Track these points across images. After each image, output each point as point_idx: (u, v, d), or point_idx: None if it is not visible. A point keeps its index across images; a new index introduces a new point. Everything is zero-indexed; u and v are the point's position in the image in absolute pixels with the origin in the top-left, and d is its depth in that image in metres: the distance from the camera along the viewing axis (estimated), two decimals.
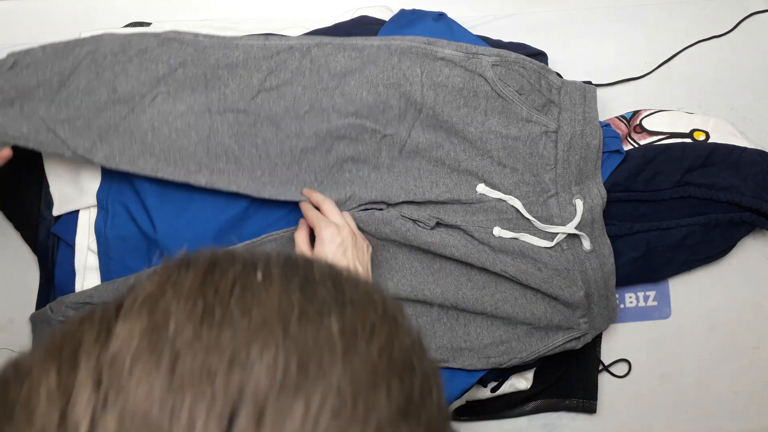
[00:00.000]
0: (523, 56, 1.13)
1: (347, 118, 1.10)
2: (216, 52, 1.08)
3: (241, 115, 1.08)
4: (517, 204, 1.13)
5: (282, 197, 1.11)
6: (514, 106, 1.12)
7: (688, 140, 1.23)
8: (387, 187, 1.13)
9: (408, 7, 1.22)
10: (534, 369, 1.23)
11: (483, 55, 1.12)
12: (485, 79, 1.11)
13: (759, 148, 1.23)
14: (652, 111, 1.26)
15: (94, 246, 1.16)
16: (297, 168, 1.11)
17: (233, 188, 1.09)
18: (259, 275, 0.44)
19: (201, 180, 1.08)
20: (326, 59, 1.09)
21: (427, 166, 1.13)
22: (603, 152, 1.17)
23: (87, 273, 1.17)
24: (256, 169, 1.10)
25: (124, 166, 1.07)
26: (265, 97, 1.08)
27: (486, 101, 1.12)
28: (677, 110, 1.29)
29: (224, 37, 1.09)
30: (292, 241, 1.13)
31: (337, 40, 1.10)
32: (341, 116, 1.10)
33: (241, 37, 1.09)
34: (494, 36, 1.24)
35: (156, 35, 1.08)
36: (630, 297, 1.28)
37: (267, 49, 1.09)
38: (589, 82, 1.23)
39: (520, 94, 1.13)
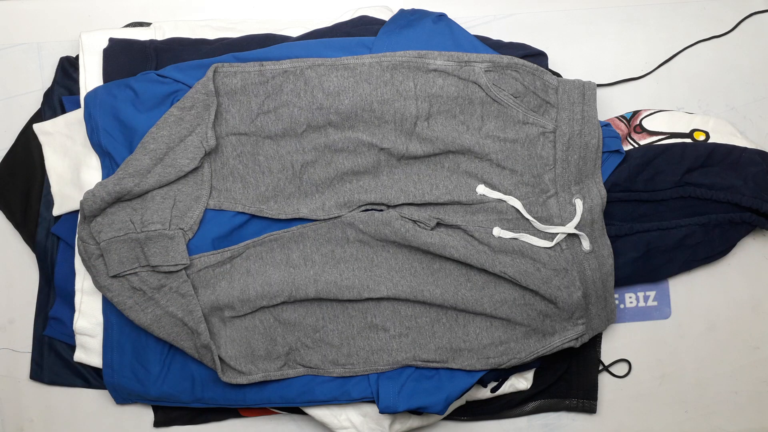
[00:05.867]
0: (516, 59, 1.14)
1: (344, 132, 1.12)
2: (216, 80, 1.12)
3: (243, 137, 1.13)
4: (517, 204, 1.13)
5: (283, 215, 1.14)
6: (510, 109, 1.13)
7: (688, 140, 1.23)
8: (386, 189, 1.14)
9: (408, 7, 1.22)
10: (534, 369, 1.23)
11: (475, 62, 1.13)
12: (479, 85, 1.12)
13: (759, 148, 1.23)
14: (652, 111, 1.26)
15: None
16: (299, 181, 1.13)
17: (239, 208, 1.14)
18: None
19: (210, 203, 1.14)
20: (320, 80, 1.12)
21: (426, 170, 1.14)
22: (603, 152, 1.18)
23: (87, 273, 1.17)
24: (260, 185, 1.14)
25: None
26: (264, 119, 1.12)
27: (482, 107, 1.13)
28: (677, 110, 1.29)
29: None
30: (293, 240, 1.14)
31: (330, 60, 1.12)
32: (338, 130, 1.12)
33: (238, 65, 1.13)
34: (494, 36, 1.24)
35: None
36: (630, 297, 1.28)
37: (263, 74, 1.12)
38: None
39: (516, 97, 1.13)
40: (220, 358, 1.13)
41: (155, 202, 1.11)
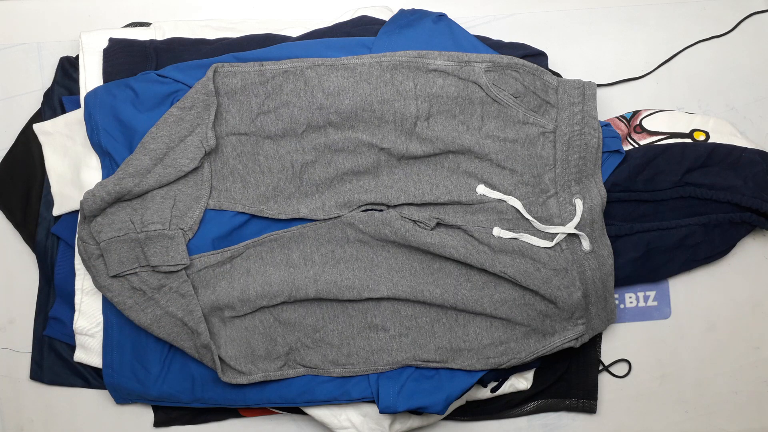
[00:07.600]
0: (516, 59, 1.14)
1: (344, 132, 1.13)
2: (216, 80, 1.12)
3: (243, 137, 1.13)
4: (517, 204, 1.13)
5: (283, 215, 1.14)
6: (510, 109, 1.13)
7: (688, 140, 1.23)
8: (386, 189, 1.14)
9: (408, 7, 1.22)
10: (534, 369, 1.23)
11: (475, 62, 1.13)
12: (479, 85, 1.12)
13: (759, 148, 1.23)
14: (652, 111, 1.27)
15: None
16: (299, 181, 1.13)
17: (239, 208, 1.14)
18: None
19: (210, 203, 1.14)
20: (320, 80, 1.12)
21: (426, 170, 1.14)
22: (603, 152, 1.18)
23: (87, 273, 1.17)
24: (260, 185, 1.14)
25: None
26: (264, 119, 1.12)
27: (482, 107, 1.13)
28: (677, 110, 1.29)
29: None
30: (293, 240, 1.14)
31: (329, 60, 1.12)
32: (338, 130, 1.12)
33: (238, 65, 1.13)
34: (494, 36, 1.24)
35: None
36: (630, 297, 1.28)
37: (263, 74, 1.12)
38: None
39: (516, 97, 1.13)
40: (220, 358, 1.13)
41: (155, 202, 1.11)
